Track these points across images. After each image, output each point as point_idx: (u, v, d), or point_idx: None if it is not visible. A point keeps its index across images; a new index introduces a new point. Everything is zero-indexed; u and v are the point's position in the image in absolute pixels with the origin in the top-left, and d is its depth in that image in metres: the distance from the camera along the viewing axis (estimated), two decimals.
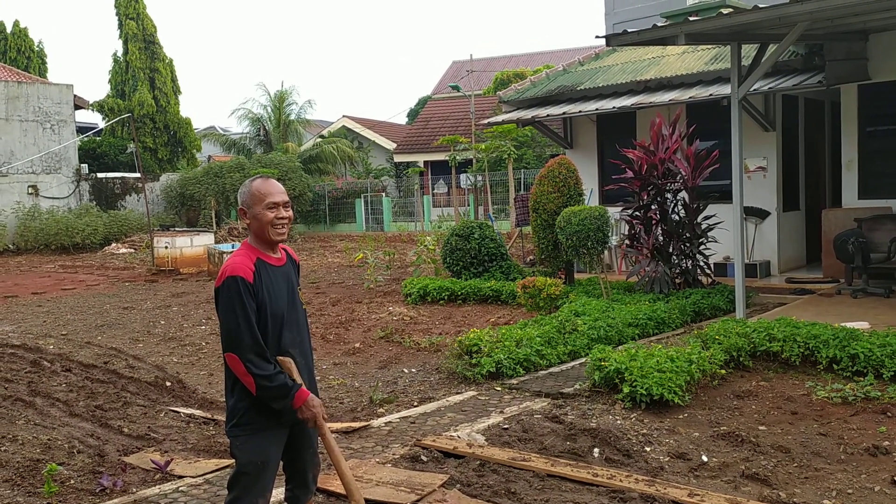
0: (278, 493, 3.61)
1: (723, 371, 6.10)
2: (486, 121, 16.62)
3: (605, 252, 11.31)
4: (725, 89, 10.57)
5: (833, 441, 4.77)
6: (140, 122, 31.63)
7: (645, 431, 5.08)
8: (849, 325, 6.83)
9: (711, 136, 11.43)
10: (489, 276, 11.32)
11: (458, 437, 5.07)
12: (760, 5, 7.39)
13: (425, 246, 13.27)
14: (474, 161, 23.28)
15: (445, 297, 10.86)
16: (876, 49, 10.20)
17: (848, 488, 4.10)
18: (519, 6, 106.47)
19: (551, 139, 15.44)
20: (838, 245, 9.60)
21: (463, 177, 24.43)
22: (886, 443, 4.67)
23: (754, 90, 10.18)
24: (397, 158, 32.92)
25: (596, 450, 4.75)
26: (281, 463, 3.26)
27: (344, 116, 37.45)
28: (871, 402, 5.37)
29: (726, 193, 10.27)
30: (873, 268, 9.55)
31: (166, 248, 17.12)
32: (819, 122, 13.05)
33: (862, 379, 5.78)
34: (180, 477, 4.66)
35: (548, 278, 9.77)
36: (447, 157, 23.91)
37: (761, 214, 11.88)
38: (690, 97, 11.34)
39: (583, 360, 6.94)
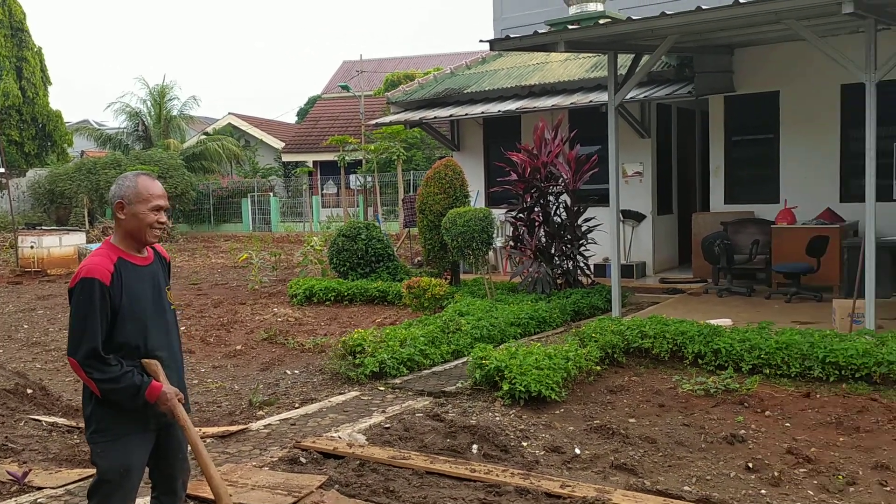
0: (143, 502, 3.46)
1: (598, 367, 6.34)
2: (374, 121, 16.58)
3: (490, 253, 11.51)
4: (605, 96, 10.97)
5: (695, 431, 5.05)
6: (5, 113, 29.57)
7: (522, 427, 5.20)
8: (713, 322, 7.24)
9: (592, 141, 11.84)
10: (376, 277, 11.29)
11: (339, 437, 5.03)
12: (634, 17, 7.74)
13: (312, 246, 13.09)
14: (364, 162, 23.14)
15: (332, 298, 10.74)
16: (740, 63, 10.89)
17: (707, 475, 4.35)
18: (411, 8, 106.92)
19: (439, 141, 15.57)
20: (706, 247, 10.18)
21: (352, 177, 24.20)
22: (743, 431, 4.99)
23: (630, 98, 10.66)
24: (286, 158, 32.29)
25: (475, 446, 4.83)
26: (147, 469, 3.13)
27: (230, 114, 36.39)
28: (731, 394, 5.72)
29: (605, 197, 10.66)
30: (737, 268, 10.19)
31: (32, 247, 16.08)
32: (690, 131, 13.80)
33: (723, 372, 6.15)
34: (39, 488, 4.39)
35: (433, 279, 9.85)
36: (336, 158, 23.62)
37: (638, 217, 12.42)
38: (572, 103, 11.72)
39: (466, 358, 7.02)
